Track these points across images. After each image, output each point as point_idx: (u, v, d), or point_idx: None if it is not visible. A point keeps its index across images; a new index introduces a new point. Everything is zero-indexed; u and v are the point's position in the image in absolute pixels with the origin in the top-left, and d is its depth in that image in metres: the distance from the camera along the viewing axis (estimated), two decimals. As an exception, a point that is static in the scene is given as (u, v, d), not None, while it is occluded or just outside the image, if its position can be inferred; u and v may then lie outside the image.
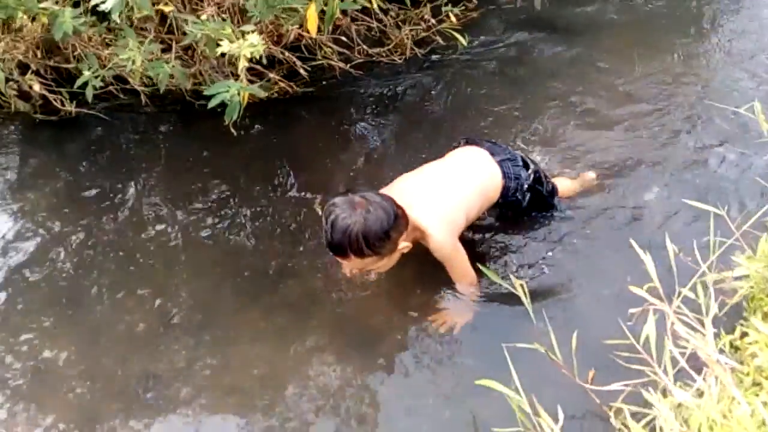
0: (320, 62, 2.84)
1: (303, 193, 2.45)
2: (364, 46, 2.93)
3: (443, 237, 1.94)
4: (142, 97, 2.62)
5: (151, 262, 2.22)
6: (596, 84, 2.89)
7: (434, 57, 3.03)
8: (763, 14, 3.27)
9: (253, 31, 1.93)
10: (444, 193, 2.00)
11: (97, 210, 2.38)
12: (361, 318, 2.09)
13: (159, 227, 2.32)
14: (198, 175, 2.51)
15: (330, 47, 2.83)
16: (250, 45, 1.90)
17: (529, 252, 2.23)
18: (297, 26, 2.57)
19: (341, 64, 2.87)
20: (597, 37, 3.12)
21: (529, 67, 3.00)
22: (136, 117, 2.72)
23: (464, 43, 2.89)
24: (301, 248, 2.26)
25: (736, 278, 1.74)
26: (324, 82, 2.86)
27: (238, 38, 1.95)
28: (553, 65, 3.00)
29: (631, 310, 1.74)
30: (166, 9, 2.12)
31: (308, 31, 2.31)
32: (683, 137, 2.61)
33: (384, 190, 1.98)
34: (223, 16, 2.41)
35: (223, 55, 2.02)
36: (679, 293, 1.68)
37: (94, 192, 2.45)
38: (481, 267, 1.82)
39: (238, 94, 2.12)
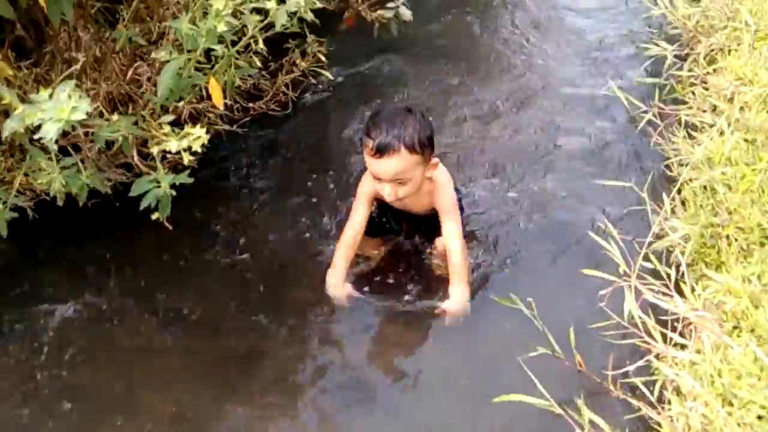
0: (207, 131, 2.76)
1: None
2: (242, 103, 2.91)
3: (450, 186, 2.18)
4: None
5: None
6: (453, 94, 3.14)
7: (307, 97, 3.09)
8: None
9: (186, 123, 1.88)
10: None
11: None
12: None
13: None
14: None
15: (212, 112, 2.78)
16: (198, 138, 1.85)
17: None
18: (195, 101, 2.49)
19: (226, 127, 2.83)
20: (450, 55, 3.37)
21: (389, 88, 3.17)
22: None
23: (330, 77, 3.00)
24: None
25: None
26: (209, 151, 2.79)
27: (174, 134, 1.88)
28: (410, 81, 3.20)
29: (601, 292, 2.00)
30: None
31: (214, 105, 2.30)
32: (552, 129, 2.96)
33: None
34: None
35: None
36: (634, 266, 1.97)
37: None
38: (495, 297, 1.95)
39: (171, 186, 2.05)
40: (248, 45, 2.68)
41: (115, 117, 2.01)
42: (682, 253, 1.96)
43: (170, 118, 2.01)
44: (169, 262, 2.40)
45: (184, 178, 2.10)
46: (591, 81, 3.16)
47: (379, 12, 3.15)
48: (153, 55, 2.14)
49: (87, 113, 1.61)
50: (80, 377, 2.04)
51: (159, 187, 2.04)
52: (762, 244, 1.90)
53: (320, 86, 3.12)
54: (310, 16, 2.38)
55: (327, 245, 2.42)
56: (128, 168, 2.51)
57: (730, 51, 2.70)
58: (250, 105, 2.93)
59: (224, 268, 2.39)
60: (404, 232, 2.41)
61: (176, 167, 2.48)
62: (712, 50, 2.78)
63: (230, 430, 1.92)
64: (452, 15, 3.69)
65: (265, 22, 2.19)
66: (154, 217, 2.00)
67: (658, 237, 2.09)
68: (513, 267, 2.38)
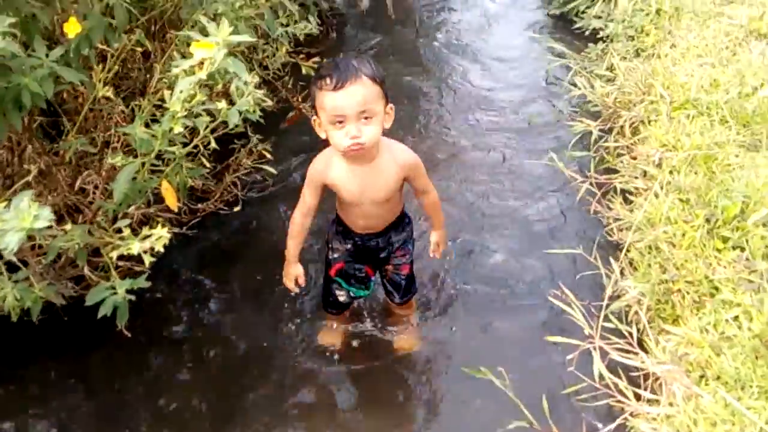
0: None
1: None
2: (190, 205, 2.91)
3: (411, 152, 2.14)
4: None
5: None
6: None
7: (253, 194, 3.12)
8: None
9: (151, 226, 1.87)
10: None
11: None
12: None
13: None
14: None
15: (161, 216, 2.75)
16: (160, 238, 1.83)
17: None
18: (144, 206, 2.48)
19: (175, 230, 2.80)
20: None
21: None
22: None
23: (275, 172, 3.05)
24: None
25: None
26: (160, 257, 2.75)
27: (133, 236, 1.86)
28: None
29: (569, 357, 2.05)
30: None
31: (163, 209, 2.29)
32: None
33: None
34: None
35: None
36: (597, 328, 2.04)
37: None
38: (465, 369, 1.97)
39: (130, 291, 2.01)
40: (196, 146, 2.73)
41: (68, 226, 1.96)
42: (641, 310, 2.04)
43: (127, 222, 1.98)
44: (125, 375, 2.31)
45: (142, 282, 2.06)
46: (525, 156, 3.33)
47: (319, 108, 3.26)
48: (109, 160, 2.13)
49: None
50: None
51: (115, 293, 1.99)
52: (712, 295, 2.01)
53: (265, 182, 3.15)
54: (256, 116, 2.45)
55: (288, 346, 2.40)
56: (77, 281, 2.44)
57: (650, 121, 2.91)
58: (199, 206, 2.92)
59: (182, 377, 2.32)
60: (371, 284, 2.40)
61: (128, 275, 2.44)
62: (634, 122, 3.00)
63: None
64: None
65: (216, 123, 2.23)
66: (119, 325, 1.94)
67: (613, 298, 2.18)
68: (474, 339, 2.41)
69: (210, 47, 1.80)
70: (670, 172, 2.47)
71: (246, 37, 1.87)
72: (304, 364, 2.36)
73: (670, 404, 1.79)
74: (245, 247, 2.86)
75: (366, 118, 1.91)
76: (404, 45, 4.54)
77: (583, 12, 4.46)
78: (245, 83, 2.29)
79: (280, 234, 2.90)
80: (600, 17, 4.21)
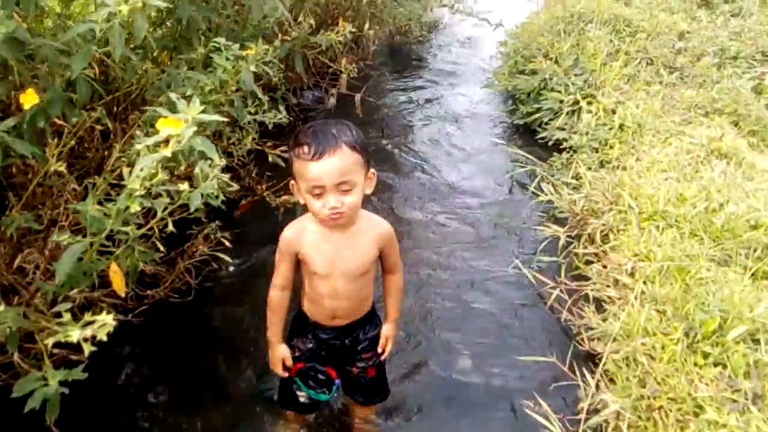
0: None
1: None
2: (137, 291, 2.71)
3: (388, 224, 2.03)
4: None
5: None
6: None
7: (208, 284, 2.94)
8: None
9: (94, 312, 1.68)
10: None
11: None
12: None
13: None
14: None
15: (105, 301, 2.54)
16: (103, 326, 1.64)
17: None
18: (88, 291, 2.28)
19: (120, 317, 2.58)
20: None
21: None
22: None
23: (230, 260, 2.89)
24: None
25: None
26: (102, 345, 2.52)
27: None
28: None
29: None
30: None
31: (108, 294, 2.11)
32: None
33: None
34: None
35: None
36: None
37: None
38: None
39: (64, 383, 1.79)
40: (150, 229, 2.57)
41: (1, 307, 1.76)
42: (623, 426, 1.91)
43: (68, 305, 1.79)
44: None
45: (78, 373, 1.84)
46: (491, 263, 3.25)
47: (285, 197, 3.15)
48: (53, 238, 1.95)
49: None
50: None
51: (47, 385, 1.77)
52: (696, 414, 1.90)
53: (222, 272, 2.98)
54: (219, 201, 2.32)
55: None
56: (5, 368, 2.20)
57: (619, 230, 2.89)
58: (147, 293, 2.72)
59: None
60: (335, 387, 2.18)
61: (63, 364, 2.21)
62: (603, 231, 2.97)
63: None
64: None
65: (175, 204, 2.10)
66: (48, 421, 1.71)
67: (590, 412, 2.05)
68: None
69: (178, 124, 1.70)
70: (644, 282, 2.40)
71: (217, 117, 1.77)
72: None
73: None
74: (195, 339, 2.65)
75: (345, 189, 1.81)
76: (370, 144, 4.52)
77: (546, 123, 4.55)
78: (211, 166, 2.19)
79: (231, 328, 2.73)
80: (563, 129, 4.29)
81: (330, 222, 1.86)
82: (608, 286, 2.59)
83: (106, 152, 2.78)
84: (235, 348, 2.63)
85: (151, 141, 1.69)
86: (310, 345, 2.14)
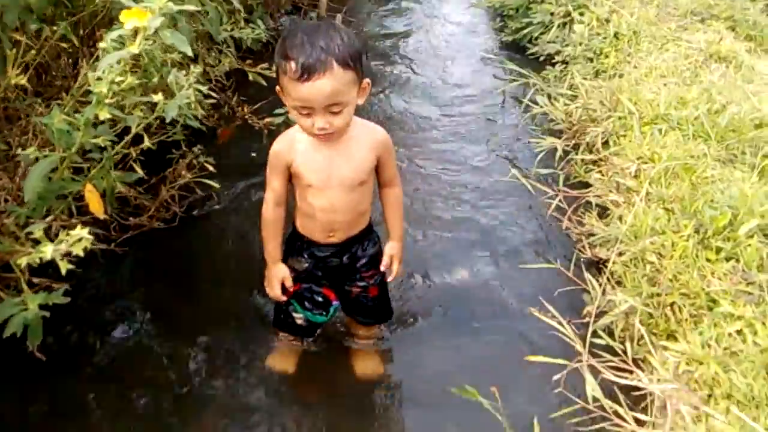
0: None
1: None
2: (120, 220, 2.58)
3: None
4: None
5: None
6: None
7: (194, 212, 2.81)
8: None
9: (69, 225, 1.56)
10: None
11: None
12: None
13: None
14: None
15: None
16: (79, 240, 1.52)
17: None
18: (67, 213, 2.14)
19: (102, 246, 2.47)
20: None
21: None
22: None
23: (217, 187, 2.76)
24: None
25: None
26: (84, 275, 2.40)
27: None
28: None
29: (556, 377, 1.82)
30: None
31: (93, 213, 1.97)
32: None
33: None
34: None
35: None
36: (585, 345, 1.82)
37: None
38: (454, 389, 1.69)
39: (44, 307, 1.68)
40: (125, 156, 2.42)
41: (-33, 229, 1.64)
42: (637, 323, 1.83)
43: (43, 225, 1.66)
44: (42, 408, 1.95)
45: (59, 297, 1.73)
46: (485, 175, 3.13)
47: (267, 119, 3.00)
48: (20, 153, 1.81)
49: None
50: None
51: (26, 310, 1.66)
52: (710, 308, 1.82)
53: (208, 199, 2.85)
54: (198, 115, 2.18)
55: (228, 377, 2.09)
56: (-19, 301, 2.08)
57: (619, 136, 2.77)
58: (130, 221, 2.59)
59: (109, 408, 1.97)
60: (333, 308, 2.09)
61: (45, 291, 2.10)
62: (602, 138, 2.86)
63: None
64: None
65: (152, 117, 1.95)
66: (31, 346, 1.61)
67: (598, 316, 1.97)
68: (445, 362, 2.15)
69: (143, 15, 1.54)
70: (650, 184, 2.30)
71: (189, 6, 1.61)
72: (247, 396, 2.04)
73: (673, 428, 1.57)
74: (180, 268, 2.53)
75: (336, 111, 1.66)
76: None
77: (536, 38, 4.38)
78: (186, 75, 2.04)
79: (218, 256, 2.62)
80: (555, 42, 4.13)
81: (320, 139, 1.74)
82: (611, 191, 2.48)
83: (73, 78, 2.60)
84: (223, 273, 2.52)
85: (114, 34, 1.54)
86: (306, 265, 2.03)
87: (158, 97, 1.91)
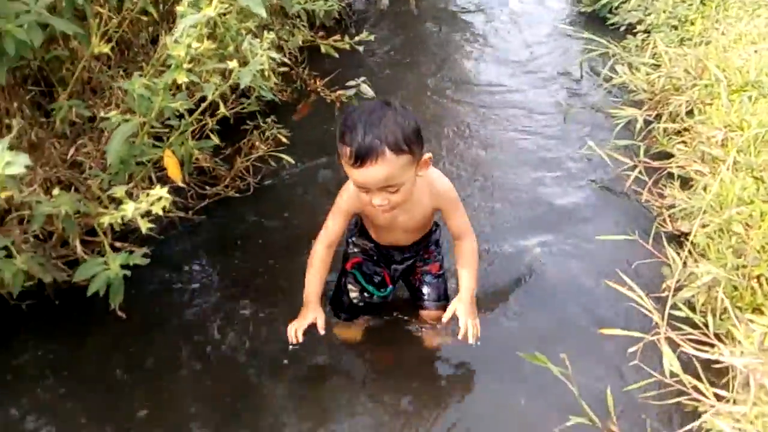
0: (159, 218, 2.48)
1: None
2: (197, 189, 2.66)
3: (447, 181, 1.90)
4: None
5: None
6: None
7: (268, 182, 2.85)
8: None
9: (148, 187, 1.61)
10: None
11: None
12: None
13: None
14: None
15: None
16: (159, 200, 1.57)
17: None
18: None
19: (180, 213, 2.55)
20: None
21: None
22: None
23: (291, 161, 2.79)
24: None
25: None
26: (163, 242, 2.49)
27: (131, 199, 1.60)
28: None
29: (631, 350, 1.76)
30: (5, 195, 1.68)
31: (172, 179, 2.03)
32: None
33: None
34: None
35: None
36: (664, 317, 1.75)
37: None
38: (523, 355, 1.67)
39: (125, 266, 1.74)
40: (204, 125, 2.48)
41: (56, 191, 1.71)
42: (720, 294, 1.75)
43: (124, 187, 1.73)
44: (119, 364, 2.03)
45: (139, 257, 1.80)
46: (562, 146, 3.05)
47: (340, 92, 3.01)
48: (101, 114, 1.88)
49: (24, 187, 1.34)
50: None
51: (108, 269, 1.73)
52: (801, 281, 1.71)
53: (282, 172, 2.89)
54: (269, 94, 2.19)
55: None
56: (70, 265, 2.18)
57: (705, 104, 2.64)
58: (207, 189, 2.66)
59: (187, 367, 2.03)
60: (389, 290, 2.13)
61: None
62: (687, 107, 2.72)
63: None
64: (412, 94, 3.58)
65: (227, 84, 1.98)
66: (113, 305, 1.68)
67: (676, 290, 1.89)
68: (514, 333, 2.12)
69: (219, -21, 1.56)
70: (738, 152, 2.18)
71: (262, -30, 1.63)
72: (317, 358, 2.06)
73: (756, 403, 1.49)
74: (254, 236, 2.57)
75: (392, 190, 1.70)
76: (428, 41, 4.31)
77: (616, 8, 4.21)
78: (261, 43, 2.05)
79: (291, 227, 2.64)
80: (636, 11, 3.96)
81: (380, 210, 1.78)
82: (695, 161, 2.37)
83: (153, 50, 2.68)
84: (294, 242, 2.55)
85: (191, -2, 1.57)
86: (370, 245, 2.08)
87: (233, 64, 1.94)
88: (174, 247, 2.47)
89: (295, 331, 1.91)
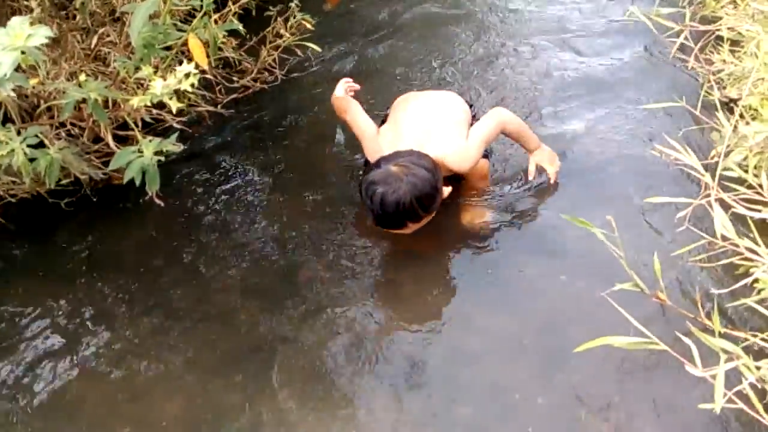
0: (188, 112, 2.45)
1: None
2: (224, 83, 2.60)
3: (463, 154, 1.93)
4: None
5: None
6: (450, 59, 2.83)
7: (295, 73, 2.78)
8: None
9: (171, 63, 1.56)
10: (443, 118, 2.04)
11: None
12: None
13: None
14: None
15: (192, 93, 2.44)
16: (188, 75, 1.52)
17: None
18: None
19: (210, 107, 2.51)
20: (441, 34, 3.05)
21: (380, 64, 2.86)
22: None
23: (319, 50, 2.69)
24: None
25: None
26: (194, 136, 2.46)
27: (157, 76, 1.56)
28: (403, 59, 2.87)
29: (680, 214, 1.70)
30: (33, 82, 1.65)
31: (197, 65, 1.97)
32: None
33: (387, 142, 1.97)
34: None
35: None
36: (715, 178, 1.68)
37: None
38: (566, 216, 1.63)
39: (159, 153, 1.72)
40: (226, 14, 2.40)
41: (83, 77, 1.67)
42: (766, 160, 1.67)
43: (150, 69, 1.67)
44: (161, 255, 2.05)
45: (171, 143, 1.77)
46: (601, 12, 2.91)
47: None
48: (120, 5, 1.82)
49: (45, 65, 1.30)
50: (74, 389, 1.68)
51: (142, 156, 1.71)
52: None
53: (308, 62, 2.81)
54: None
55: (328, 225, 2.12)
56: (105, 162, 2.17)
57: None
58: (234, 83, 2.61)
59: (224, 257, 2.05)
60: None
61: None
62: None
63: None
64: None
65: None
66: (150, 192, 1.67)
67: (727, 154, 1.81)
68: (563, 203, 2.07)
69: None
70: (793, 7, 2.03)
71: None
72: (354, 244, 2.05)
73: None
74: (283, 129, 2.53)
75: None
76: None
77: None
78: None
79: (319, 116, 2.58)
80: None
81: None
82: (746, 20, 2.22)
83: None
84: (320, 132, 2.50)
85: None
86: None
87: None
88: (204, 142, 2.45)
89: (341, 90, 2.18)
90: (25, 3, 1.92)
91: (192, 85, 1.54)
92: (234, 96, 2.58)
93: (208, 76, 2.49)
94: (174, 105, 1.56)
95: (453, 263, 1.97)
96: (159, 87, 1.51)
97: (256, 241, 2.09)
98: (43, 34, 1.27)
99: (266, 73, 2.70)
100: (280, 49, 2.66)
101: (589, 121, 2.34)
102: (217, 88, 2.58)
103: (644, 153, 2.09)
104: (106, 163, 2.11)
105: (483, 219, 2.10)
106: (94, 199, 2.17)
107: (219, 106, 2.53)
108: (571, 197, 2.08)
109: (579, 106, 2.42)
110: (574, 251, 1.87)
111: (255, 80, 2.66)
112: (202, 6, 1.94)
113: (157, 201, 1.88)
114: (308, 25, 2.67)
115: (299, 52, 2.72)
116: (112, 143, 2.09)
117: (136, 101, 1.60)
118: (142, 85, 1.95)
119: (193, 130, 2.47)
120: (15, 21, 1.32)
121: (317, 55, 2.75)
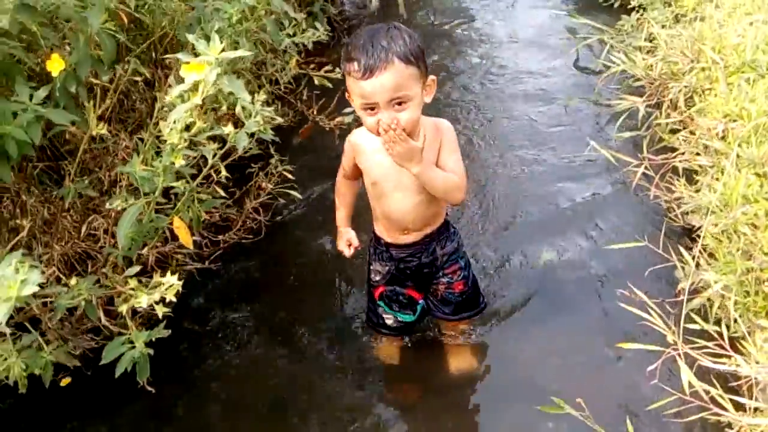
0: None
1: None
2: (210, 238, 2.71)
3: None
4: None
5: None
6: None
7: (278, 219, 2.90)
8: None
9: (169, 264, 1.66)
10: None
11: None
12: None
13: None
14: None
15: (180, 253, 2.56)
16: (171, 287, 1.62)
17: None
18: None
19: (197, 265, 2.61)
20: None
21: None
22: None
23: (299, 196, 2.82)
24: None
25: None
26: (184, 296, 2.54)
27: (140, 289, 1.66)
28: None
29: (650, 368, 1.78)
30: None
31: (182, 245, 2.09)
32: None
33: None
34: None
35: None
36: (678, 331, 1.76)
37: None
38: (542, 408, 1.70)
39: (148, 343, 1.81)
40: (208, 176, 2.52)
41: (73, 281, 1.77)
42: (728, 305, 1.76)
43: (135, 269, 1.79)
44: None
45: (161, 332, 1.86)
46: (563, 147, 3.05)
47: (338, 119, 3.04)
48: (107, 205, 1.93)
49: (40, 284, 1.39)
50: None
51: (133, 347, 1.79)
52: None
53: (291, 206, 2.93)
54: (270, 135, 2.23)
55: (325, 378, 2.18)
56: (96, 332, 2.25)
57: (704, 91, 2.61)
58: (220, 237, 2.72)
59: (221, 424, 2.10)
60: (419, 307, 2.17)
61: (150, 320, 2.24)
62: (686, 94, 2.70)
63: None
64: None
65: (225, 149, 2.02)
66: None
67: (690, 293, 1.91)
68: (536, 351, 2.15)
69: (201, 68, 1.59)
70: (739, 145, 2.17)
71: (242, 51, 1.66)
72: (350, 395, 2.12)
73: None
74: (273, 277, 2.63)
75: (400, 103, 1.68)
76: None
77: (609, -16, 4.16)
78: (252, 102, 2.08)
79: (308, 260, 2.69)
80: (628, -13, 3.90)
81: (385, 145, 1.72)
82: (698, 154, 2.36)
83: (153, 104, 2.72)
84: (307, 278, 2.59)
85: (177, 91, 1.60)
86: (388, 267, 2.09)
87: (228, 129, 1.97)
88: (194, 299, 2.53)
89: (341, 250, 2.13)
90: (18, 222, 2.03)
91: (176, 293, 1.64)
92: (220, 250, 2.68)
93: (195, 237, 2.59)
94: (160, 311, 1.66)
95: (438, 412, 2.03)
96: (145, 302, 1.61)
97: (251, 404, 2.14)
98: (34, 281, 1.37)
99: (250, 221, 2.80)
100: (261, 198, 2.78)
101: (557, 258, 2.46)
102: (204, 243, 2.68)
103: (614, 293, 2.16)
104: (98, 331, 2.20)
105: (469, 364, 2.18)
106: (89, 374, 2.22)
107: (207, 262, 2.62)
108: (544, 343, 2.17)
109: (546, 242, 2.54)
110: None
111: (240, 230, 2.77)
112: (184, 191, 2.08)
113: (149, 388, 1.94)
114: (289, 176, 2.81)
115: (281, 199, 2.85)
116: (105, 320, 2.17)
117: (125, 308, 1.70)
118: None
119: (183, 290, 2.55)
120: (8, 265, 1.41)
121: (297, 199, 2.87)
